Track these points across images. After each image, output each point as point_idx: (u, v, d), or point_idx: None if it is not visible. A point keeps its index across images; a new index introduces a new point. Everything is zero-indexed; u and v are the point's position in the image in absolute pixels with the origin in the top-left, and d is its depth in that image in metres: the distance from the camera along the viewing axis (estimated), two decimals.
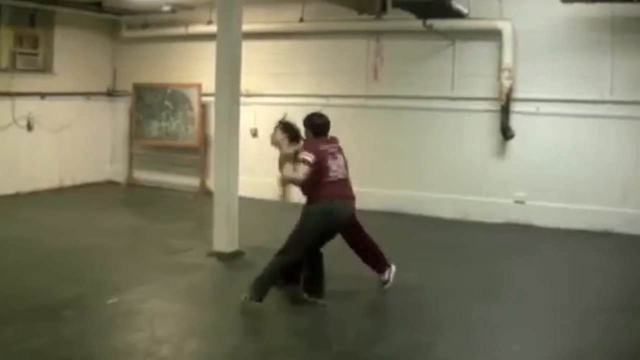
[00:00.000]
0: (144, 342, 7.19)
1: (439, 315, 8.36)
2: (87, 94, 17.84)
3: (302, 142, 8.72)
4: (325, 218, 8.24)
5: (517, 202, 13.73)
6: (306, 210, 8.40)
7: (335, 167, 8.48)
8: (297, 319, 8.25)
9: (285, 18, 15.62)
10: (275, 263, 8.24)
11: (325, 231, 8.34)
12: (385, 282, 9.04)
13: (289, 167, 8.53)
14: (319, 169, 8.25)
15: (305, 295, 8.54)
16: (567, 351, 7.29)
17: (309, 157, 8.21)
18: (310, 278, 8.58)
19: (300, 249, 8.24)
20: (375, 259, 9.14)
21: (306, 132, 8.83)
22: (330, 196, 8.29)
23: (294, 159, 8.45)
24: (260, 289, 8.13)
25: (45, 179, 16.79)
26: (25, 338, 7.13)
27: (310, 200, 8.45)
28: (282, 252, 8.25)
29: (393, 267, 9.13)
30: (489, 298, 8.98)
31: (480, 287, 9.48)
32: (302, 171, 8.17)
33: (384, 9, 13.54)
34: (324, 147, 8.55)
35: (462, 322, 8.08)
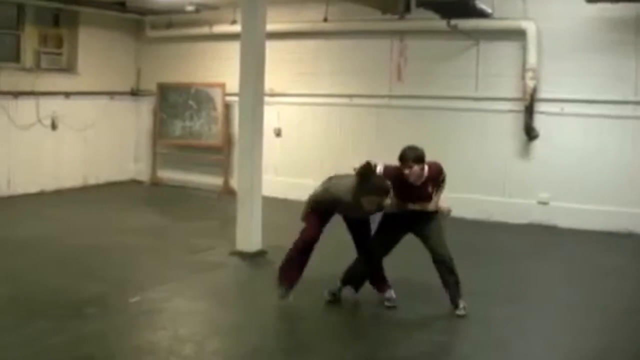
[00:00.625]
0: (167, 340, 7.21)
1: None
2: (111, 94, 17.92)
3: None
4: None
5: (540, 203, 13.68)
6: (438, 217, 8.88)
7: None
8: (319, 318, 8.25)
9: (309, 18, 15.63)
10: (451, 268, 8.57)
11: None
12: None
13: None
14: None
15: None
16: (590, 352, 7.26)
17: None
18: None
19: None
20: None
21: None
22: None
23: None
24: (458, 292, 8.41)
25: (69, 177, 16.90)
26: (48, 335, 7.16)
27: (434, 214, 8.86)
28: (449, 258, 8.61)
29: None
30: (511, 299, 8.96)
31: (503, 288, 9.46)
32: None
33: (407, 8, 13.51)
34: None
35: (484, 322, 8.06)
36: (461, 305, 8.18)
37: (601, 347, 7.41)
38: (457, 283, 8.35)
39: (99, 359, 6.73)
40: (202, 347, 7.13)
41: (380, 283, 8.67)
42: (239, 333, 7.60)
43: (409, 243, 8.56)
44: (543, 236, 12.89)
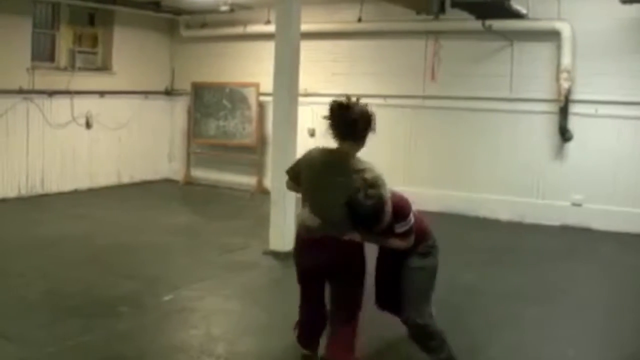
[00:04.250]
0: (199, 339, 7.24)
1: (493, 317, 8.30)
2: (145, 93, 18.00)
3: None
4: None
5: (574, 204, 13.59)
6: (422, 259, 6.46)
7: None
8: None
9: (344, 18, 15.64)
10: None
11: None
12: None
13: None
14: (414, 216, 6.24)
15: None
16: (621, 356, 7.22)
17: (411, 217, 6.15)
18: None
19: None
20: None
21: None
22: (432, 234, 6.69)
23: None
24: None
25: (103, 176, 17.01)
26: (81, 333, 7.23)
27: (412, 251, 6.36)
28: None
29: None
30: (544, 301, 8.91)
31: (536, 290, 9.41)
32: (411, 237, 6.19)
33: (442, 9, 13.48)
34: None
35: (516, 324, 8.04)
36: None
37: (631, 352, 7.36)
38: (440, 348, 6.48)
39: (131, 357, 6.78)
40: (234, 346, 7.15)
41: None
42: (272, 333, 7.60)
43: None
44: (576, 238, 12.80)
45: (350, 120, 5.92)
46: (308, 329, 6.50)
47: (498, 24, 13.60)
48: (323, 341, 6.29)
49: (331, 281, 6.16)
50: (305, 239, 6.03)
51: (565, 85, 13.30)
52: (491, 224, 13.81)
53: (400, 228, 6.02)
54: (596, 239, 12.75)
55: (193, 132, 18.03)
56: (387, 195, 5.72)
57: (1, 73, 14.39)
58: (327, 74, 16.00)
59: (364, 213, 5.61)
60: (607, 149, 13.27)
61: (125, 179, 17.64)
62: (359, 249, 6.05)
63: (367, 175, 5.67)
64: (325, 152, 6.08)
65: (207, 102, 17.63)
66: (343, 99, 5.99)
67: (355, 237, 5.84)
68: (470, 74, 14.45)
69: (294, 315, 6.50)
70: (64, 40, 16.15)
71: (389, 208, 5.75)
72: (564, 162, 13.71)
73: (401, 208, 6.02)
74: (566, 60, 13.32)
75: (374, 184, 5.63)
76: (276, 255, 10.63)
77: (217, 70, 17.71)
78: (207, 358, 6.72)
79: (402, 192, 6.27)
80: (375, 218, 5.68)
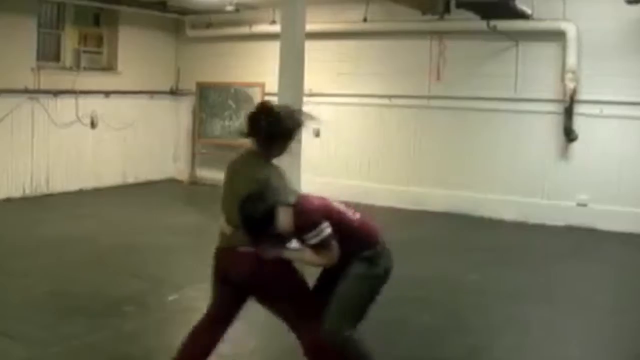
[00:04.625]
0: None
1: (497, 318, 8.32)
2: (150, 93, 18.03)
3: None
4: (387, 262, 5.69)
5: (579, 205, 13.58)
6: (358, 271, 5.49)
7: (344, 207, 5.66)
8: None
9: (349, 18, 15.65)
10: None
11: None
12: None
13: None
14: (338, 222, 5.38)
15: None
16: (629, 358, 7.22)
17: (327, 226, 5.26)
18: None
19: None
20: None
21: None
22: (377, 233, 5.68)
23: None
24: None
25: (109, 176, 17.03)
26: (87, 333, 7.25)
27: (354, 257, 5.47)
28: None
29: None
30: (548, 301, 8.91)
31: (540, 290, 9.40)
32: (333, 247, 5.31)
33: (447, 9, 13.52)
34: (314, 199, 5.57)
35: (520, 325, 8.04)
36: None
37: (637, 352, 7.36)
38: None
39: (137, 356, 6.80)
40: (240, 345, 7.13)
41: None
42: (277, 332, 7.58)
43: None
44: (582, 239, 12.80)
45: (249, 115, 5.69)
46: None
47: (503, 24, 13.60)
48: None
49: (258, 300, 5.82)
50: (218, 248, 5.99)
51: (570, 85, 13.29)
52: (496, 224, 13.80)
53: (311, 239, 5.23)
54: (601, 239, 12.75)
55: (198, 132, 18.04)
56: (281, 201, 5.22)
57: (6, 73, 14.41)
58: (333, 74, 16.01)
59: (246, 218, 5.20)
60: (612, 149, 13.27)
61: (130, 179, 17.66)
62: (279, 264, 5.41)
63: (260, 176, 5.38)
64: (239, 154, 5.92)
65: (212, 102, 17.64)
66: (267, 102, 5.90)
67: (267, 248, 5.31)
68: (475, 74, 14.45)
69: None
70: (69, 40, 16.21)
71: (285, 216, 5.20)
72: (569, 162, 13.71)
73: (304, 215, 5.27)
74: (571, 60, 13.32)
75: (265, 187, 5.28)
76: None
77: (222, 70, 17.70)
78: (213, 357, 6.72)
79: (326, 197, 5.63)
80: (259, 225, 5.19)
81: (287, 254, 5.40)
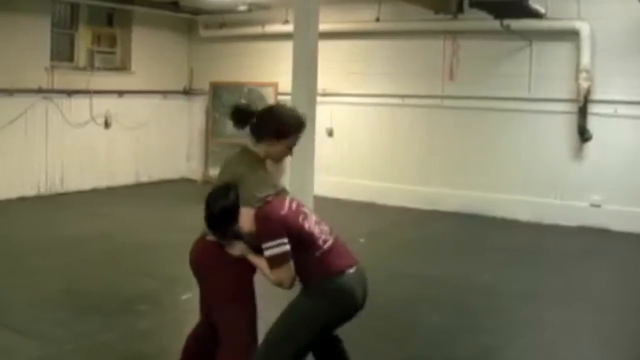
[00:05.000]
0: None
1: (510, 318, 8.30)
2: (164, 93, 18.07)
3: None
4: (339, 303, 5.04)
5: (593, 205, 13.53)
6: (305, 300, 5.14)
7: (317, 230, 5.21)
8: (368, 319, 8.24)
9: (362, 18, 15.63)
10: None
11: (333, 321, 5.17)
12: None
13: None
14: (297, 244, 4.97)
15: None
16: None
17: (284, 243, 4.90)
18: None
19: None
20: None
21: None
22: (338, 269, 5.00)
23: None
24: None
25: (122, 175, 17.08)
26: (100, 331, 7.27)
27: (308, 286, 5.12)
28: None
29: None
30: (562, 302, 8.88)
31: (554, 291, 9.37)
32: (285, 269, 4.99)
33: (460, 8, 13.50)
34: (285, 207, 5.22)
35: (534, 326, 8.01)
36: None
37: None
38: None
39: (150, 355, 6.81)
40: None
41: None
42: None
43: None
44: (595, 239, 12.74)
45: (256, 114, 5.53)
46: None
47: (516, 23, 13.54)
48: None
49: None
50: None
51: (584, 85, 13.24)
52: (510, 225, 13.76)
53: (266, 250, 4.89)
54: (615, 240, 12.69)
55: (211, 131, 18.04)
56: (246, 200, 5.02)
57: (20, 72, 14.48)
58: (345, 73, 15.99)
59: (206, 212, 5.21)
60: (626, 149, 13.21)
61: (144, 178, 17.70)
62: (242, 266, 5.29)
63: (236, 172, 5.24)
64: (235, 150, 5.73)
65: (226, 101, 17.62)
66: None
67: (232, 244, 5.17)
68: (489, 74, 14.41)
69: None
70: (83, 40, 16.27)
71: (244, 217, 5.01)
72: (583, 162, 13.65)
73: (263, 221, 4.95)
74: (585, 59, 13.26)
75: (236, 183, 5.14)
76: None
77: (236, 70, 17.71)
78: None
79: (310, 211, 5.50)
80: (218, 221, 5.15)
81: (251, 257, 5.16)
